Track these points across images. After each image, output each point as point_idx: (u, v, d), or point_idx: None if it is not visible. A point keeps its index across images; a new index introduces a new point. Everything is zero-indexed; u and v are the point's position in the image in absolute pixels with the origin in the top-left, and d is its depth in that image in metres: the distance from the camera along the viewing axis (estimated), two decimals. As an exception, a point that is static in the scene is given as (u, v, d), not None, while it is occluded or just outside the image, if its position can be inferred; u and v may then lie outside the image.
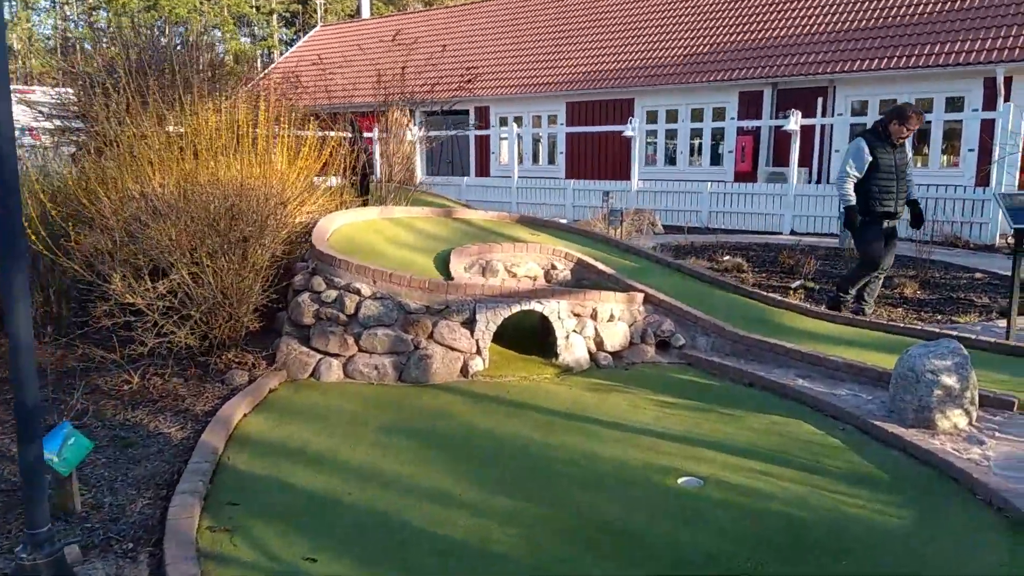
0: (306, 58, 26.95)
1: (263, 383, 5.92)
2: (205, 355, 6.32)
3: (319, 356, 6.29)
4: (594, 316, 6.75)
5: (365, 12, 34.41)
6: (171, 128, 7.18)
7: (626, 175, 17.90)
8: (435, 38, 26.29)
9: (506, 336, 6.87)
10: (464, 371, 6.30)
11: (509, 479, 4.42)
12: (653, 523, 3.89)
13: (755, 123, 17.74)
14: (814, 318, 7.52)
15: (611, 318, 6.80)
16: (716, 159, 19.44)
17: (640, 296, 7.14)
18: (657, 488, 4.31)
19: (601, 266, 7.80)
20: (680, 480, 4.41)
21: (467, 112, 23.17)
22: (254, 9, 49.51)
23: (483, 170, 23.03)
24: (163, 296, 5.86)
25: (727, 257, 11.95)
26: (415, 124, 24.14)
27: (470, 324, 6.35)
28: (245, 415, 5.42)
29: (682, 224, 16.74)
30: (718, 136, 19.36)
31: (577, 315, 6.69)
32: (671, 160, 20.22)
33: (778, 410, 5.58)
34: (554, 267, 7.96)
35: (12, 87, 3.00)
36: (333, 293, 6.38)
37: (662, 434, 5.11)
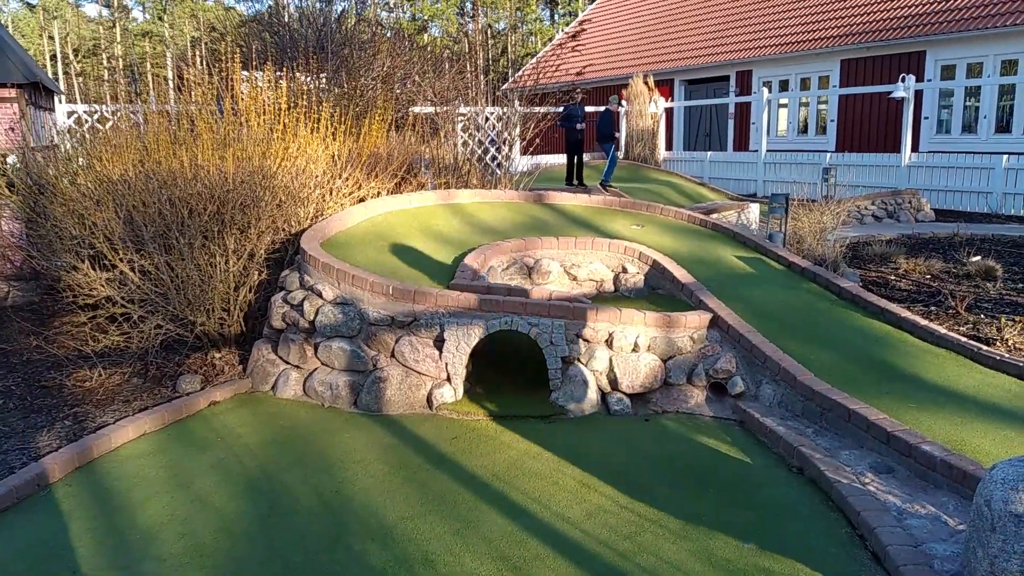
0: (570, 33, 26.27)
1: (204, 395, 5.21)
2: (193, 352, 5.83)
3: (283, 366, 5.43)
4: (609, 343, 4.95)
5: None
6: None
7: (909, 146, 14.17)
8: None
9: (526, 359, 5.40)
10: (429, 401, 5.00)
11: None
12: None
13: (1090, 74, 13.08)
14: (988, 367, 4.87)
15: (635, 348, 4.94)
16: (1035, 125, 14.81)
17: (698, 319, 5.12)
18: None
19: (677, 272, 5.85)
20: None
21: (727, 78, 20.62)
22: (556, -11, 49.84)
23: (742, 143, 20.29)
24: (111, 286, 5.42)
25: (977, 258, 8.78)
26: (674, 95, 22.20)
27: (440, 344, 5.01)
28: (145, 434, 4.75)
29: (965, 209, 12.98)
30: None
31: (587, 340, 4.96)
32: (969, 128, 15.85)
33: (795, 532, 3.47)
34: (625, 270, 6.17)
35: None
36: (300, 295, 5.45)
37: (554, 552, 3.39)
